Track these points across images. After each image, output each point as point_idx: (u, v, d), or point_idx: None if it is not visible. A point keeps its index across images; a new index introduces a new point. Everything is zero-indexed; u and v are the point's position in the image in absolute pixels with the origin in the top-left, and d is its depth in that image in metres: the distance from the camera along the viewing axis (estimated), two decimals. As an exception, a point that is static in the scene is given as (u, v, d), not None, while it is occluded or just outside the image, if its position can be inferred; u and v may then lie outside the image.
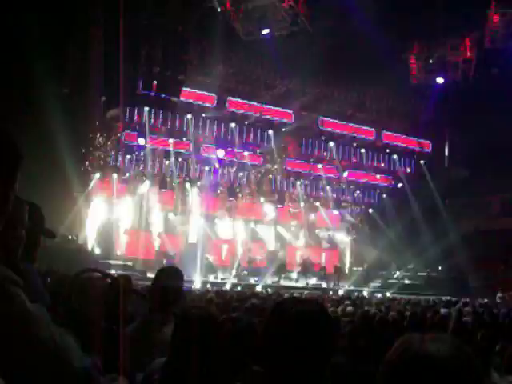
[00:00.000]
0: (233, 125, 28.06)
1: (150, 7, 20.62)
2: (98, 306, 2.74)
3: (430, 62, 25.66)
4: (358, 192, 32.53)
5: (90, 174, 24.57)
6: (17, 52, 16.44)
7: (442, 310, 10.67)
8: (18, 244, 1.96)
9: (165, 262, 23.65)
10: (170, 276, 3.72)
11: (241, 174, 29.21)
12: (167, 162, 27.31)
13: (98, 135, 24.99)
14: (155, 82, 22.62)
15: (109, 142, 25.82)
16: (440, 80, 26.17)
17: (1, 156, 1.47)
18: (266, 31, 22.46)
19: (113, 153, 26.19)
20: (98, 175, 24.92)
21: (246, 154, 28.71)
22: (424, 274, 27.44)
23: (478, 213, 29.10)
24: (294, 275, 27.22)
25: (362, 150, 31.61)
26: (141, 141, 25.60)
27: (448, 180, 29.42)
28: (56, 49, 17.33)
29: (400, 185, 32.05)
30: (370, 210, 32.19)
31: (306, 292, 19.81)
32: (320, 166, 30.75)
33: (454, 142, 31.16)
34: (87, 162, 24.57)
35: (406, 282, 26.83)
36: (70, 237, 21.29)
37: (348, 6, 21.91)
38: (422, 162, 32.09)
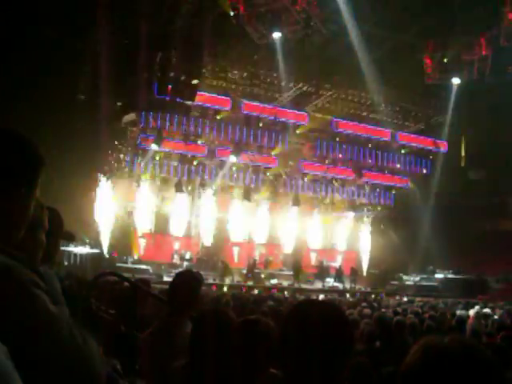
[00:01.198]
0: (247, 127, 28.08)
1: (164, 12, 20.70)
2: (117, 310, 2.77)
3: (445, 61, 25.48)
4: (373, 193, 32.40)
5: (106, 178, 24.74)
6: (33, 58, 16.63)
7: (460, 312, 10.60)
8: (39, 248, 2.00)
9: (181, 264, 23.79)
10: (187, 279, 3.74)
11: (255, 176, 29.22)
12: (182, 166, 27.39)
13: (115, 140, 25.14)
14: (170, 87, 22.70)
15: (124, 147, 25.98)
16: (456, 80, 26.00)
17: (23, 163, 1.51)
18: (278, 34, 22.49)
19: (128, 157, 26.33)
20: (114, 179, 25.09)
21: (260, 156, 28.72)
22: (441, 275, 27.26)
23: (495, 213, 28.87)
24: (309, 277, 27.18)
25: (378, 151, 31.47)
26: (156, 145, 25.70)
27: (465, 180, 29.22)
28: (71, 56, 17.48)
29: (416, 186, 31.86)
30: (386, 212, 32.05)
31: (322, 294, 19.79)
32: (335, 167, 30.68)
33: (471, 142, 30.93)
34: (105, 167, 24.74)
35: (423, 283, 26.68)
36: (87, 241, 21.44)
37: (361, 6, 21.85)
38: (438, 162, 31.89)
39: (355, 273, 27.22)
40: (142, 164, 26.50)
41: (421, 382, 1.37)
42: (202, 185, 27.70)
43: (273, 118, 28.17)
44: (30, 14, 16.06)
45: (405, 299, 20.23)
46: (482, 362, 1.35)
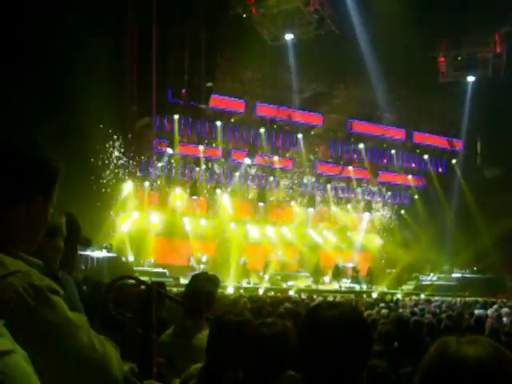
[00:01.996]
0: (262, 130, 28.08)
1: (177, 16, 20.80)
2: (134, 313, 2.78)
3: (459, 59, 25.34)
4: (389, 193, 32.26)
5: (122, 181, 24.90)
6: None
7: (479, 312, 10.51)
8: (57, 253, 2.01)
9: (198, 267, 23.82)
10: (203, 281, 3.74)
11: (271, 178, 29.21)
12: (197, 169, 27.46)
13: (130, 144, 25.28)
14: (184, 90, 22.81)
15: (140, 151, 26.10)
16: (470, 78, 25.84)
17: (39, 171, 1.52)
18: (291, 35, 22.50)
19: (144, 161, 26.45)
20: (130, 183, 25.23)
21: (275, 158, 28.72)
22: (459, 275, 27.05)
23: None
24: (326, 279, 27.09)
25: (393, 151, 31.31)
26: (171, 149, 25.80)
27: (481, 179, 28.99)
28: (88, 61, 17.65)
29: (432, 185, 31.66)
30: (402, 212, 31.90)
31: (339, 295, 19.72)
32: (350, 168, 30.58)
33: (486, 140, 30.67)
34: (121, 171, 24.89)
35: (441, 283, 26.49)
36: (104, 245, 21.55)
37: (374, 6, 21.81)
38: (453, 161, 31.68)
39: (371, 273, 27.09)
40: (157, 167, 26.60)
41: (437, 383, 1.36)
42: (217, 187, 27.74)
43: (287, 119, 28.17)
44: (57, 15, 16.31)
45: (422, 298, 20.12)
46: (499, 363, 1.34)
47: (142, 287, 3.22)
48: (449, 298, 18.52)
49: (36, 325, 1.34)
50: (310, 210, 29.91)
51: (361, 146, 30.38)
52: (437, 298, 19.80)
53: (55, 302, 1.41)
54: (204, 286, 3.63)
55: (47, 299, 1.39)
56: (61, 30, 16.36)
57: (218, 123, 27.15)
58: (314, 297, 17.31)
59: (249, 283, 24.64)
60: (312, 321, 2.01)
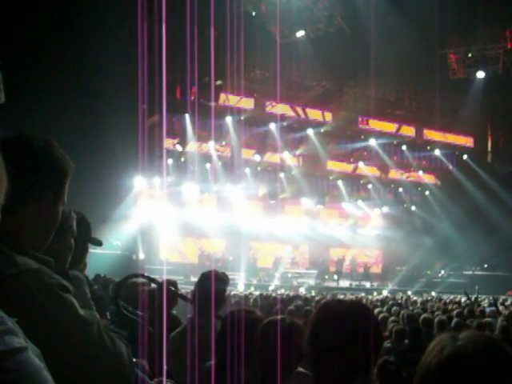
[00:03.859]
0: (272, 127, 28.05)
1: (186, 14, 20.80)
2: (144, 311, 2.79)
3: (469, 55, 25.21)
4: (400, 189, 32.13)
5: (133, 179, 24.95)
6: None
7: (489, 309, 10.48)
8: (67, 252, 2.03)
9: (209, 265, 23.87)
10: (212, 279, 3.75)
11: (281, 174, 29.18)
12: (208, 166, 27.45)
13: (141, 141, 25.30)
14: (194, 89, 22.83)
15: (150, 148, 26.13)
16: (481, 74, 25.68)
17: (50, 168, 1.53)
18: (300, 33, 22.46)
19: (154, 158, 26.50)
20: (141, 181, 25.28)
21: (285, 154, 28.69)
22: (470, 272, 26.94)
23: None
24: (336, 276, 27.06)
25: (404, 148, 31.21)
26: (181, 146, 25.83)
27: (492, 175, 28.83)
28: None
29: (443, 181, 31.55)
30: (413, 208, 31.78)
31: (349, 293, 19.72)
32: (361, 164, 30.49)
33: (497, 136, 30.51)
34: (133, 168, 24.96)
35: (452, 280, 26.39)
36: (115, 243, 21.62)
37: (384, 3, 21.72)
38: (464, 157, 31.54)
39: (384, 270, 27.07)
40: (168, 165, 26.63)
41: (435, 381, 1.35)
42: (228, 184, 27.73)
43: (297, 117, 28.14)
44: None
45: (433, 296, 20.07)
46: (498, 359, 1.33)
47: (153, 285, 3.23)
48: (459, 296, 18.43)
49: (47, 322, 1.35)
50: (321, 206, 29.86)
51: (371, 142, 30.28)
52: (447, 295, 19.74)
53: (66, 300, 1.42)
54: (213, 283, 3.64)
55: (58, 297, 1.40)
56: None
57: (228, 120, 27.15)
58: (324, 293, 17.33)
59: (259, 281, 24.65)
60: (322, 318, 2.03)
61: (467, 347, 1.34)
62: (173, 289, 3.00)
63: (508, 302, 14.10)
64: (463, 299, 15.28)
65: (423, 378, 1.39)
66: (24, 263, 1.40)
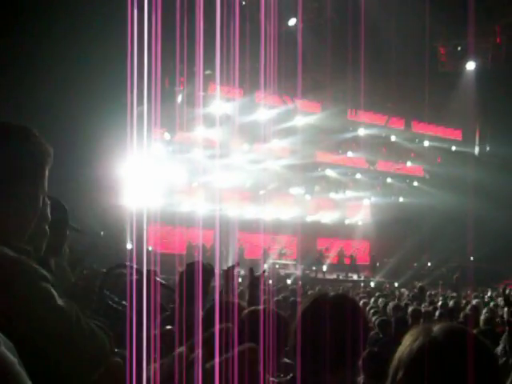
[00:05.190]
0: (261, 117, 27.95)
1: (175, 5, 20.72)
2: (130, 301, 2.77)
3: (459, 49, 25.27)
4: (388, 181, 32.22)
5: (121, 169, 24.82)
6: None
7: (475, 301, 10.55)
8: (42, 239, 1.98)
9: (197, 255, 23.85)
10: (196, 270, 3.73)
11: (269, 165, 29.14)
12: (196, 155, 27.34)
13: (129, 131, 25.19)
14: (182, 79, 22.72)
15: (138, 137, 26.01)
16: (470, 66, 25.75)
17: (27, 157, 1.50)
18: (292, 21, 22.39)
19: (142, 147, 26.36)
20: (129, 170, 25.14)
21: (274, 145, 28.62)
22: (456, 264, 27.10)
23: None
24: (324, 267, 27.15)
25: (392, 139, 31.26)
26: (169, 135, 25.73)
27: (480, 167, 28.97)
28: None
29: (430, 173, 31.70)
30: (401, 199, 31.90)
31: (336, 285, 19.79)
32: (350, 155, 30.51)
33: (485, 129, 30.64)
34: (121, 158, 24.83)
35: (439, 272, 26.55)
36: (101, 232, 21.53)
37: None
38: (453, 148, 31.68)
39: (375, 262, 27.18)
40: (156, 154, 26.52)
41: (408, 374, 1.35)
42: (215, 173, 27.65)
43: (286, 107, 28.09)
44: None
45: (419, 288, 20.16)
46: (467, 348, 1.32)
47: (138, 275, 3.21)
48: (446, 288, 18.57)
49: (25, 312, 1.33)
50: (309, 197, 29.88)
51: (360, 133, 30.29)
52: (434, 287, 19.87)
53: (44, 289, 1.40)
54: (197, 274, 3.62)
55: (37, 287, 1.38)
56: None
57: (217, 110, 27.01)
58: (312, 285, 17.37)
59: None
60: (309, 310, 2.05)
61: (438, 338, 1.34)
62: (157, 278, 2.98)
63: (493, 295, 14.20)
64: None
65: (395, 369, 1.39)
66: (1, 253, 1.37)
